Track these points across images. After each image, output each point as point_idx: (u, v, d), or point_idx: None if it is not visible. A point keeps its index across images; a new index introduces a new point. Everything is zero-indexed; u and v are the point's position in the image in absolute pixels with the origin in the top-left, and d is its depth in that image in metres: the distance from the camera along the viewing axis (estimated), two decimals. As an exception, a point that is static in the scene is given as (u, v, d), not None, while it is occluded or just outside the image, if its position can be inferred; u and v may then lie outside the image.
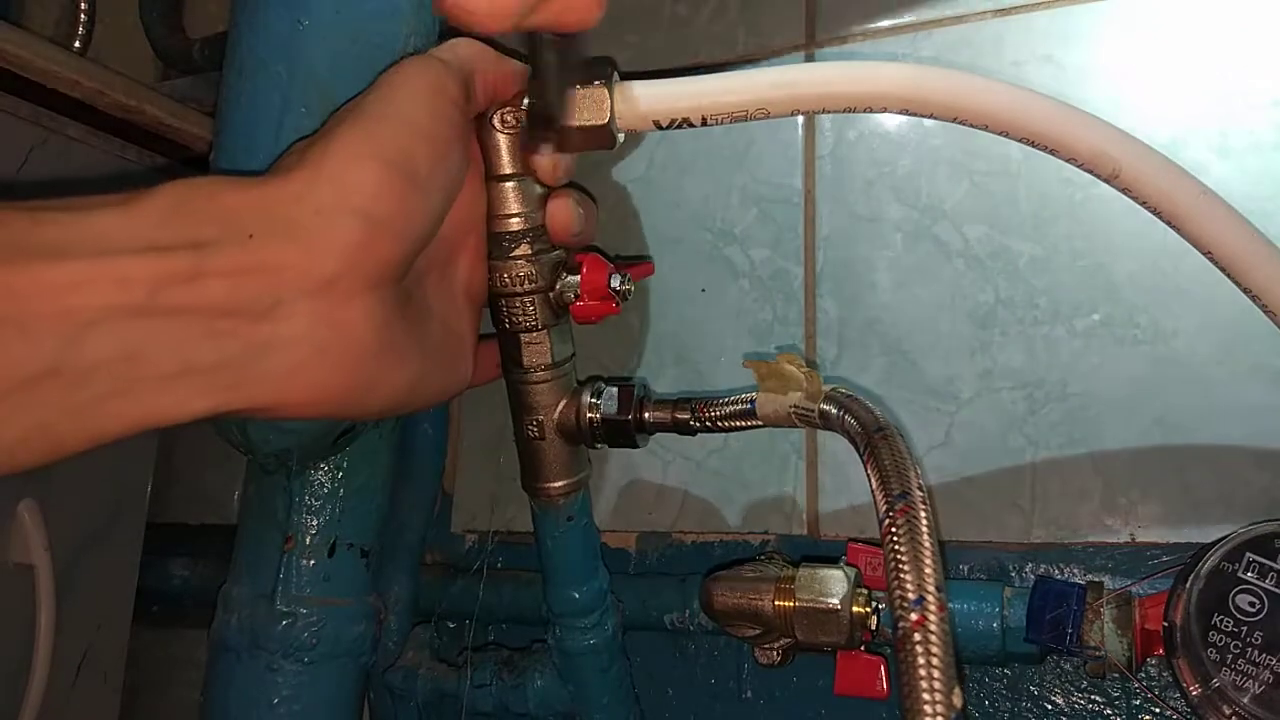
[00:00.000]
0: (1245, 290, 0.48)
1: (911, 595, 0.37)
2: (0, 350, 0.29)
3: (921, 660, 0.35)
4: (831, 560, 0.58)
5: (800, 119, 0.71)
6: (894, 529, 0.38)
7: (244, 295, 0.34)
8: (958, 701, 0.35)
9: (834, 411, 0.48)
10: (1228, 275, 0.47)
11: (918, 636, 0.36)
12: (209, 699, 0.61)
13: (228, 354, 0.34)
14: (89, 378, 0.31)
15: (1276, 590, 0.50)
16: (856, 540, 0.62)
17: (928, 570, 0.37)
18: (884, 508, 0.39)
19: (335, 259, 0.36)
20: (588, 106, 0.46)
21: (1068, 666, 0.61)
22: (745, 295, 0.71)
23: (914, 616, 0.36)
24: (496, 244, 0.49)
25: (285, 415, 0.37)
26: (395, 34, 0.54)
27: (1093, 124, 0.45)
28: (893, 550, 0.38)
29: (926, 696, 0.35)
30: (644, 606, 0.67)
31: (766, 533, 0.69)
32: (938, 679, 0.35)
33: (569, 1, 0.40)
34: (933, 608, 0.36)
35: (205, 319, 0.33)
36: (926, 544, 0.38)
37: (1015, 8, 0.67)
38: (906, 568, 0.37)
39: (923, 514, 0.39)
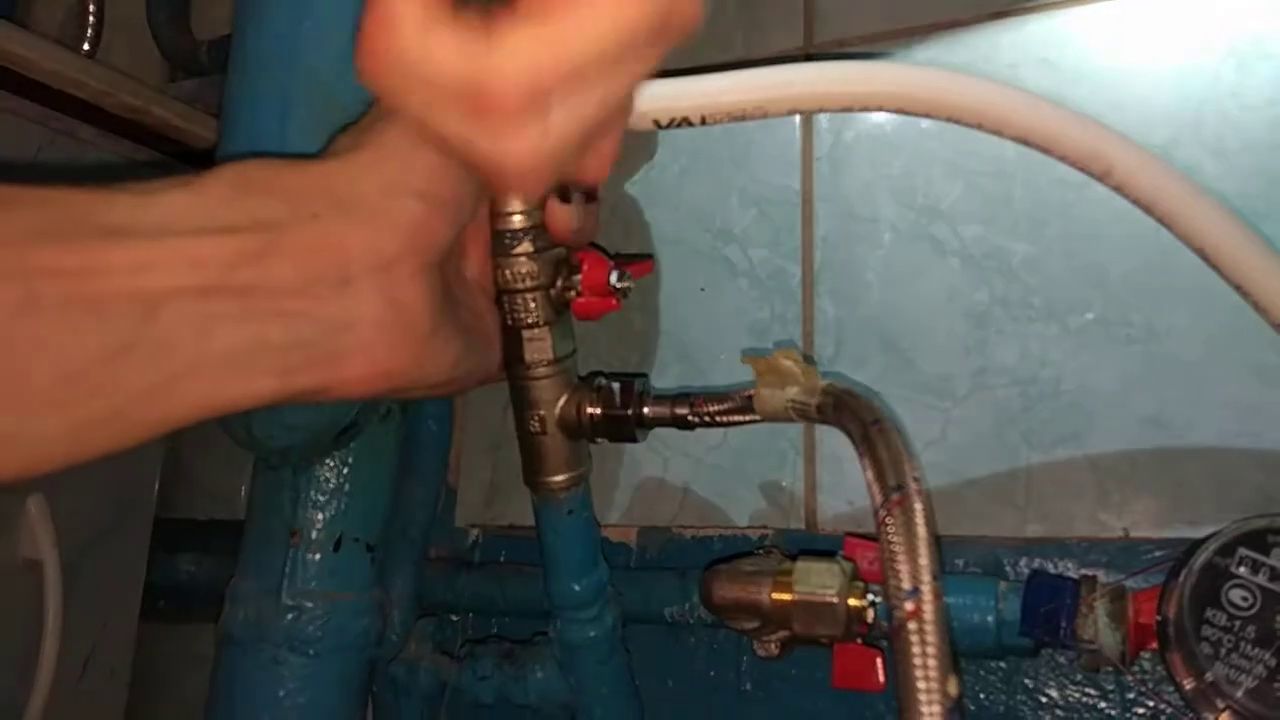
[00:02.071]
0: (1237, 288, 0.48)
1: (907, 585, 0.37)
2: (74, 329, 0.30)
3: (917, 649, 0.36)
4: (829, 554, 0.58)
5: (798, 121, 0.72)
6: (890, 520, 0.39)
7: (312, 274, 0.34)
8: (953, 690, 0.35)
9: (830, 405, 0.48)
10: (1219, 273, 0.48)
11: (913, 625, 0.36)
12: (215, 692, 0.61)
13: (299, 334, 0.34)
14: (161, 356, 0.31)
15: (1269, 585, 0.50)
16: (853, 534, 0.62)
17: (923, 560, 0.37)
18: (880, 499, 0.40)
19: (399, 238, 0.37)
20: None
21: (1062, 660, 0.62)
22: (744, 294, 0.72)
23: (909, 606, 0.36)
24: (499, 241, 0.50)
25: (344, 394, 0.37)
26: (398, 35, 0.55)
27: (1085, 123, 0.46)
28: (888, 541, 0.38)
29: (922, 685, 0.35)
30: (644, 600, 0.67)
31: (765, 527, 0.69)
32: (933, 667, 0.35)
33: (591, 162, 0.40)
34: (928, 597, 0.37)
35: (276, 298, 0.34)
36: (922, 534, 0.38)
37: (1011, 10, 0.67)
38: (902, 558, 0.37)
39: (918, 505, 0.39)
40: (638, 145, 0.76)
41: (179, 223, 0.33)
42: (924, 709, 0.35)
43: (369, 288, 0.36)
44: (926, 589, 0.37)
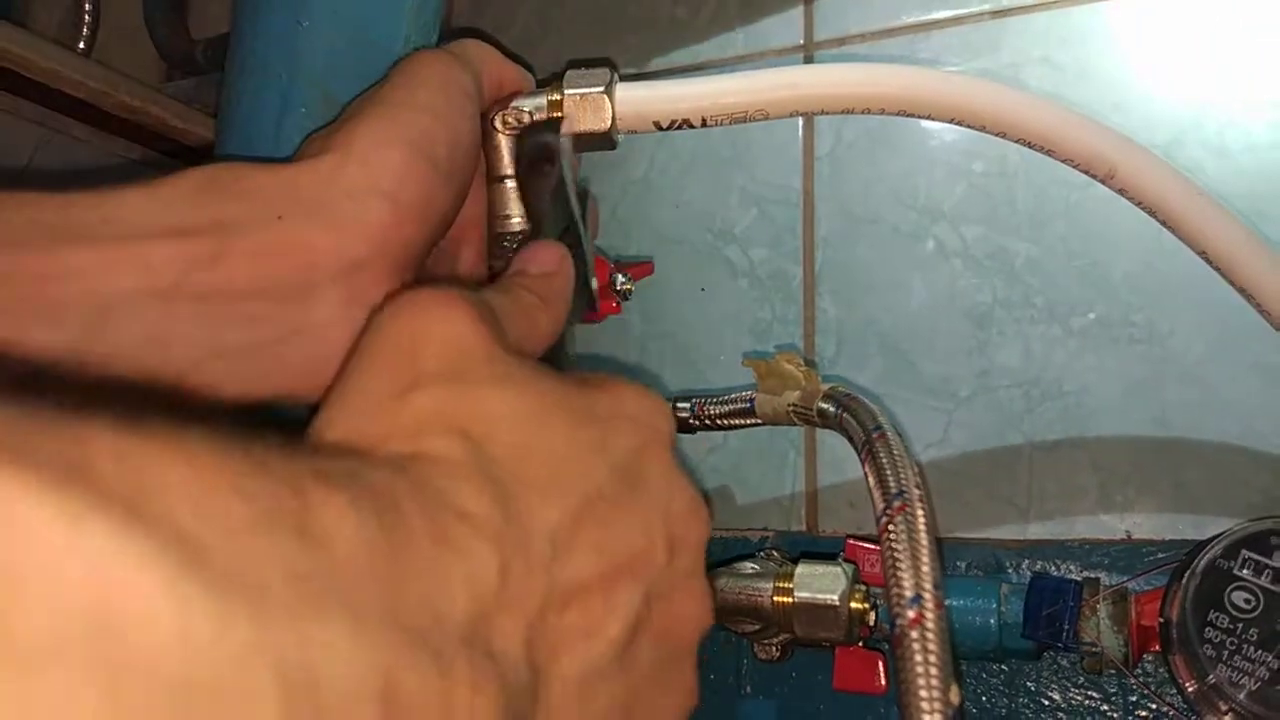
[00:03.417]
0: (1239, 289, 0.48)
1: (909, 593, 0.37)
2: (27, 333, 0.29)
3: (919, 658, 0.35)
4: (830, 556, 0.58)
5: (799, 120, 0.71)
6: (891, 527, 0.39)
7: (270, 276, 0.34)
8: (955, 699, 0.35)
9: (832, 410, 0.48)
10: (1221, 274, 0.48)
11: (915, 634, 0.36)
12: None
13: (258, 337, 0.34)
14: (114, 360, 0.31)
15: (1272, 587, 0.50)
16: (855, 537, 0.62)
17: (925, 568, 0.37)
18: (881, 506, 0.40)
19: (365, 241, 0.36)
20: (588, 111, 0.46)
21: (1064, 662, 0.61)
22: (745, 295, 0.71)
23: (911, 614, 0.36)
24: (497, 244, 0.49)
25: (313, 402, 0.37)
26: (395, 35, 0.54)
27: (1089, 125, 0.46)
28: (890, 548, 0.38)
29: (924, 694, 0.35)
30: (644, 603, 0.67)
31: (765, 529, 0.69)
32: (935, 676, 0.35)
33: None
34: (930, 605, 0.36)
35: (231, 301, 0.33)
36: (924, 542, 0.38)
37: (1013, 9, 0.67)
38: (904, 565, 0.37)
39: (920, 512, 0.39)
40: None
41: (135, 226, 0.32)
42: (926, 718, 0.34)
43: (333, 293, 0.35)
44: (929, 597, 0.37)
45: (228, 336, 0.33)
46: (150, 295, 0.31)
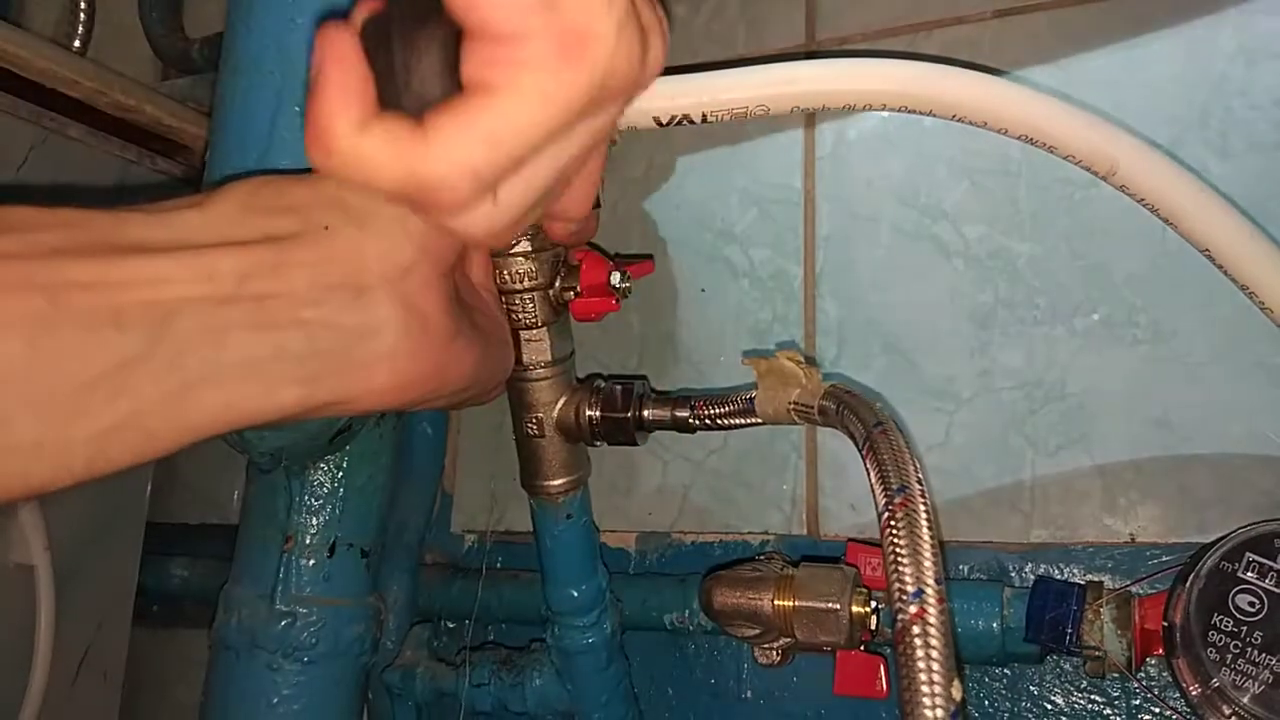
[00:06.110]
0: (1243, 288, 0.48)
1: (910, 588, 0.36)
2: (93, 338, 0.30)
3: (921, 653, 0.35)
4: (831, 560, 0.58)
5: (800, 119, 0.71)
6: (893, 522, 0.38)
7: (327, 283, 0.35)
8: (957, 694, 0.35)
9: (833, 407, 0.48)
10: (1225, 273, 0.48)
11: (917, 629, 0.36)
12: (209, 698, 0.61)
13: (318, 343, 0.35)
14: (178, 363, 0.32)
15: (1276, 590, 0.50)
16: (856, 540, 0.62)
17: (927, 563, 0.37)
18: (883, 501, 0.39)
19: (412, 246, 0.37)
20: None
21: (1067, 666, 0.61)
22: (745, 295, 0.71)
23: (913, 609, 0.36)
24: (505, 250, 0.49)
25: (370, 406, 0.38)
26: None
27: (1091, 121, 0.45)
28: (892, 543, 0.38)
29: (926, 689, 0.34)
30: (644, 606, 0.67)
31: (766, 532, 0.69)
32: (937, 671, 0.35)
33: (569, 202, 0.42)
34: (932, 600, 0.36)
35: (292, 308, 0.34)
36: (926, 537, 0.38)
37: (1015, 8, 0.67)
38: (905, 561, 0.37)
39: (922, 507, 0.38)
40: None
41: (191, 238, 0.34)
42: (928, 713, 0.34)
43: (386, 296, 0.36)
44: (931, 592, 0.37)
45: (286, 341, 0.34)
46: (210, 301, 0.32)
